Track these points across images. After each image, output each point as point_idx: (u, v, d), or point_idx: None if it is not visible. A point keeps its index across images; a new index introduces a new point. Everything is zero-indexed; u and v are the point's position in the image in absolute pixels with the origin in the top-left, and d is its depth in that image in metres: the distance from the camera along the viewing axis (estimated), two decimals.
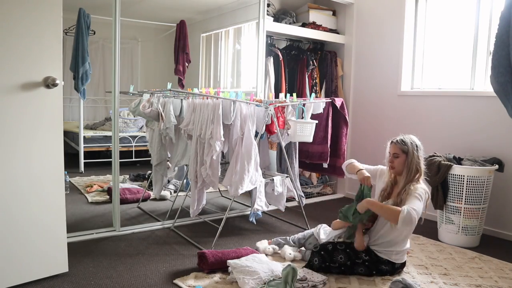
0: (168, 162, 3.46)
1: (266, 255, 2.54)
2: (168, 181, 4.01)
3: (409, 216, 2.06)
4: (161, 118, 3.04)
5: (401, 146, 2.32)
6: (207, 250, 2.47)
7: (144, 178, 4.38)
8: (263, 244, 2.66)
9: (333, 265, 2.29)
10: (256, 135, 2.79)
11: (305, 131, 2.99)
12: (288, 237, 2.74)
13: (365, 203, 2.28)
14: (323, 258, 2.31)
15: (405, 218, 2.07)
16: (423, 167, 2.32)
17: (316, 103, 3.25)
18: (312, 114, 3.21)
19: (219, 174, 2.76)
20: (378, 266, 2.31)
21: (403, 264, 2.39)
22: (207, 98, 2.79)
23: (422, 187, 2.25)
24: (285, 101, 3.06)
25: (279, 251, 2.61)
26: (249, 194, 3.01)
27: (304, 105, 3.08)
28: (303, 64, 4.11)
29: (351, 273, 2.31)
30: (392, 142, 2.38)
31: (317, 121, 3.10)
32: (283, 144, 3.11)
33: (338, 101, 3.62)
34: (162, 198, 3.79)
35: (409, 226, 2.16)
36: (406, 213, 2.07)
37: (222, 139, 2.63)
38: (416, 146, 2.32)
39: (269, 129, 2.92)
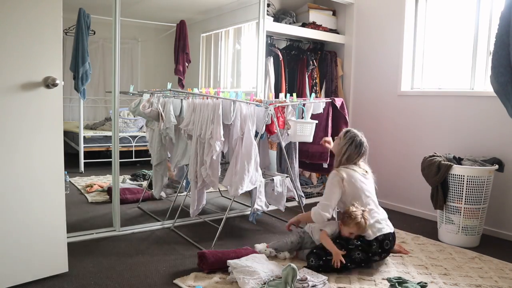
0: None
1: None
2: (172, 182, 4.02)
3: (316, 215, 2.50)
4: (161, 118, 3.04)
5: (343, 133, 2.67)
6: (207, 250, 2.47)
7: (144, 178, 4.38)
8: (261, 245, 2.63)
9: (329, 257, 2.32)
10: (256, 135, 2.79)
11: (305, 131, 2.99)
12: (285, 240, 2.67)
13: (295, 218, 2.71)
14: (317, 255, 2.34)
15: (316, 218, 2.51)
16: (346, 160, 2.60)
17: (316, 103, 3.25)
18: (312, 114, 3.21)
19: (219, 174, 2.76)
20: (371, 248, 2.36)
21: (385, 236, 2.40)
22: (207, 98, 2.79)
23: (334, 171, 2.57)
24: (285, 101, 3.06)
25: (277, 254, 2.58)
26: (249, 194, 3.01)
27: (304, 105, 3.08)
28: (303, 64, 4.11)
29: (350, 262, 2.33)
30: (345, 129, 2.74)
31: (317, 121, 3.10)
32: (283, 144, 3.11)
33: (338, 101, 3.62)
34: (157, 198, 3.77)
35: (321, 219, 2.49)
36: (313, 214, 2.51)
37: (222, 139, 2.63)
38: (350, 143, 2.59)
39: (269, 129, 2.91)
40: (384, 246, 2.40)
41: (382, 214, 2.52)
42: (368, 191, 2.54)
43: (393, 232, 2.49)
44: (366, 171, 2.63)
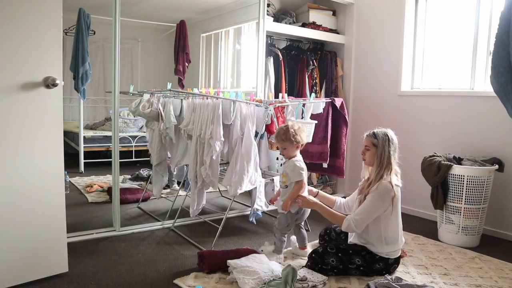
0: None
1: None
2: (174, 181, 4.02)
3: (350, 228, 2.27)
4: (161, 118, 3.04)
5: (372, 139, 2.33)
6: (206, 250, 2.47)
7: (143, 179, 4.38)
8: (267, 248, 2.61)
9: (325, 267, 2.28)
10: (256, 135, 2.79)
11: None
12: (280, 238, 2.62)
13: (315, 205, 2.44)
14: (314, 260, 2.30)
15: (347, 229, 2.30)
16: (393, 161, 2.30)
17: (316, 103, 3.25)
18: (312, 114, 3.21)
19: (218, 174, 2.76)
20: (373, 266, 2.30)
21: (396, 260, 2.36)
22: (207, 98, 2.79)
23: (386, 183, 2.23)
24: (284, 101, 3.06)
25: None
26: (249, 194, 3.01)
27: (303, 105, 3.08)
28: (303, 64, 4.11)
29: (345, 275, 2.31)
30: (365, 134, 2.40)
31: (316, 121, 3.08)
32: None
33: (338, 101, 3.62)
34: (157, 198, 3.76)
35: (350, 232, 2.36)
36: (347, 225, 2.27)
37: (222, 139, 2.63)
38: (388, 140, 2.29)
39: (269, 129, 2.91)
40: (390, 270, 2.33)
41: (401, 236, 2.36)
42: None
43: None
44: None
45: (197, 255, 2.41)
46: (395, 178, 2.28)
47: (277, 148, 3.69)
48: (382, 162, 2.27)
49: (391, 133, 2.35)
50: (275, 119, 2.89)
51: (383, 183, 2.23)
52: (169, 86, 3.03)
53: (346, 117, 3.65)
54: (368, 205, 2.24)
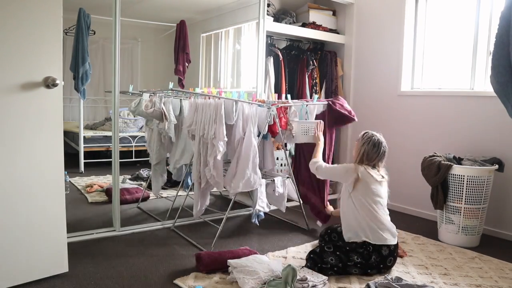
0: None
1: None
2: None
3: (312, 166, 2.73)
4: (165, 117, 3.04)
5: (360, 135, 2.57)
6: (203, 251, 2.47)
7: (143, 179, 4.38)
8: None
9: (325, 266, 2.29)
10: (258, 136, 2.78)
11: (310, 132, 2.96)
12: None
13: (317, 140, 2.89)
14: (313, 260, 2.32)
15: (311, 165, 2.75)
16: (367, 159, 2.47)
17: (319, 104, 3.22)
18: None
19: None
20: (369, 260, 2.31)
21: (391, 252, 2.35)
22: (209, 98, 2.78)
23: (353, 163, 2.52)
24: (287, 101, 3.05)
25: None
26: (249, 194, 3.01)
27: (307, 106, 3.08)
28: (303, 64, 4.11)
29: (345, 274, 2.32)
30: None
31: (321, 121, 3.03)
32: (289, 146, 3.10)
33: (337, 103, 3.36)
34: (157, 197, 3.76)
35: (311, 169, 2.74)
36: (312, 164, 2.73)
37: (225, 139, 2.62)
38: (367, 142, 2.48)
39: (271, 130, 2.91)
40: (386, 263, 2.35)
41: (388, 223, 2.40)
42: (379, 196, 2.42)
43: (396, 244, 2.41)
44: (383, 177, 2.48)
45: (195, 257, 2.41)
46: (362, 167, 2.45)
47: (278, 148, 3.69)
48: (358, 154, 2.51)
49: (376, 139, 2.49)
50: (277, 120, 2.88)
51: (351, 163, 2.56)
52: (171, 85, 3.02)
53: (345, 112, 3.26)
54: (334, 166, 2.70)
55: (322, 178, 2.83)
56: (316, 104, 3.15)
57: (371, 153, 2.46)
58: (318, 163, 2.71)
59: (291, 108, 3.07)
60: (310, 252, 2.38)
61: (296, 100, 3.23)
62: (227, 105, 2.67)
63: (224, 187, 2.79)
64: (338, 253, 2.33)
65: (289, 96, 3.18)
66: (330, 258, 2.30)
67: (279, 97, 3.34)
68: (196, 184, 2.85)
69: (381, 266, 2.33)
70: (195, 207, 2.86)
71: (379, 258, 2.32)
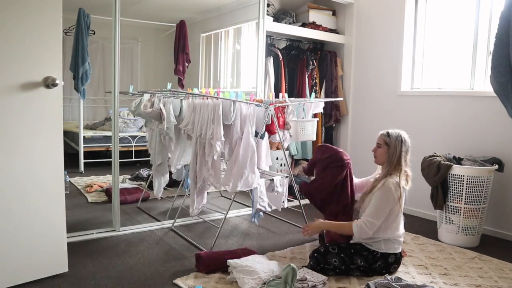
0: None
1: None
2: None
3: (363, 230, 2.25)
4: (163, 118, 3.04)
5: (385, 138, 2.36)
6: (203, 251, 2.46)
7: (143, 179, 4.38)
8: None
9: (327, 267, 2.28)
10: (256, 135, 2.78)
11: (307, 130, 2.97)
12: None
13: (322, 225, 2.44)
14: (317, 260, 2.31)
15: (359, 233, 2.26)
16: (404, 162, 2.32)
17: (316, 103, 3.24)
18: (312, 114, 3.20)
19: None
20: (373, 265, 2.30)
21: (397, 260, 2.36)
22: (207, 98, 2.79)
23: (392, 182, 2.25)
24: (285, 101, 3.06)
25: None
26: (249, 193, 3.01)
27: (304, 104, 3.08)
28: (303, 64, 4.11)
29: (347, 275, 2.31)
30: (380, 133, 2.43)
31: (317, 119, 3.04)
32: (286, 144, 3.10)
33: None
34: (158, 198, 3.75)
35: (365, 236, 2.27)
36: (359, 229, 2.25)
37: (223, 139, 2.62)
38: (401, 141, 2.32)
39: (269, 129, 2.91)
40: (390, 269, 2.34)
41: (403, 232, 2.37)
42: (403, 204, 2.33)
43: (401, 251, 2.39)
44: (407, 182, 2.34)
45: (195, 257, 2.41)
46: (403, 180, 2.29)
47: (277, 148, 3.69)
48: (392, 161, 2.31)
49: (404, 135, 2.37)
50: (275, 119, 2.89)
51: (389, 181, 2.27)
52: (169, 86, 3.03)
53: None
54: (375, 205, 2.26)
55: (375, 228, 2.27)
56: (313, 101, 3.16)
57: (406, 154, 2.31)
58: (358, 224, 2.26)
59: (288, 107, 3.07)
60: (314, 251, 2.36)
61: (293, 99, 3.24)
62: (225, 105, 2.67)
63: (223, 187, 2.79)
64: (342, 255, 2.30)
65: (286, 95, 3.19)
66: (334, 259, 2.28)
67: (276, 97, 3.35)
68: (192, 183, 2.85)
69: (384, 272, 2.32)
70: (191, 206, 2.86)
71: (384, 264, 2.32)
